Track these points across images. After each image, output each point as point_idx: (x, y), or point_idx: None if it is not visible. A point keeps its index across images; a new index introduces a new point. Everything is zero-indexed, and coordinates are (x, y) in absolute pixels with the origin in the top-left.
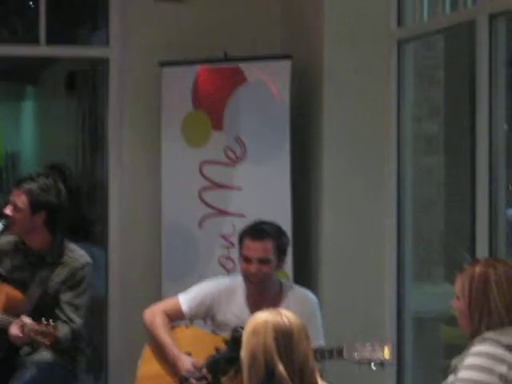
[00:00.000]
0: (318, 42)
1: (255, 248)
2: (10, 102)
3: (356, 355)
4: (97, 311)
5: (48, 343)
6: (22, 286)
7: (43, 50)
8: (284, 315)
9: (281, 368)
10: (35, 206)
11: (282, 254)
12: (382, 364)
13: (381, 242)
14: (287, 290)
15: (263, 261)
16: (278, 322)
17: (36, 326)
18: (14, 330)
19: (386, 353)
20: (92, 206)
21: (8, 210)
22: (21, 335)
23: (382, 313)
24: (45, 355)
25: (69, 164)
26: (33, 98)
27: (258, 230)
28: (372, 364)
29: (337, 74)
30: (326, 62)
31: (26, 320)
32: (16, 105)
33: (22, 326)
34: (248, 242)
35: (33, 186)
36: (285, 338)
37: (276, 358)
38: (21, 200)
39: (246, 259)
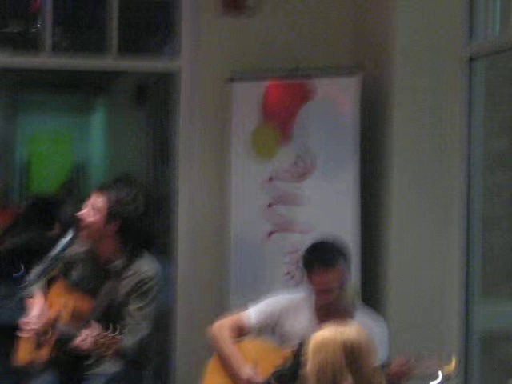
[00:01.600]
0: (388, 57)
1: (321, 278)
2: (80, 113)
3: (421, 368)
4: (163, 323)
5: (111, 353)
6: (91, 294)
7: (113, 63)
8: (353, 329)
9: (349, 382)
10: (112, 213)
11: (346, 275)
12: (446, 377)
13: (449, 259)
14: (357, 311)
15: (330, 289)
16: (348, 335)
17: (100, 336)
18: (79, 340)
19: (451, 366)
20: (160, 218)
21: (84, 211)
22: (86, 345)
23: (449, 329)
24: (111, 366)
25: (138, 176)
26: (102, 110)
27: (322, 260)
28: (437, 377)
29: (406, 89)
30: (396, 77)
31: (92, 330)
32: (86, 116)
33: (87, 336)
34: (313, 272)
35: (114, 193)
36: (354, 352)
37: (345, 372)
38: (99, 204)
39: (314, 288)
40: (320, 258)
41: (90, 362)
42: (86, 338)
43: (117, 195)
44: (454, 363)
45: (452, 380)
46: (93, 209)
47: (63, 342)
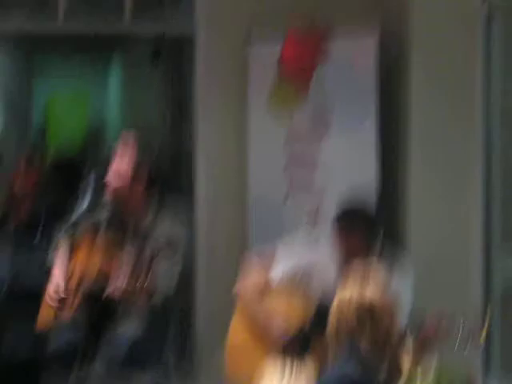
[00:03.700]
0: (405, 11)
1: (342, 240)
2: (97, 74)
3: (452, 334)
4: (184, 283)
5: (145, 297)
6: (117, 254)
7: (128, 26)
8: (369, 290)
9: (364, 342)
10: (136, 173)
11: (372, 239)
12: (476, 344)
13: (468, 209)
14: (381, 267)
15: (351, 251)
16: (363, 297)
17: (133, 280)
18: (113, 284)
19: (482, 334)
20: (179, 176)
21: (109, 175)
22: (120, 289)
23: (469, 281)
24: (135, 327)
25: (156, 136)
26: (119, 70)
27: (346, 222)
28: (461, 344)
29: (424, 43)
30: (413, 32)
31: (124, 276)
32: (103, 78)
33: (119, 282)
34: (336, 232)
35: (136, 154)
36: (368, 314)
37: (361, 332)
38: (124, 166)
39: (335, 246)
40: (343, 220)
41: (114, 321)
42: (118, 284)
43: (139, 156)
44: (484, 331)
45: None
46: (118, 171)
47: (90, 300)
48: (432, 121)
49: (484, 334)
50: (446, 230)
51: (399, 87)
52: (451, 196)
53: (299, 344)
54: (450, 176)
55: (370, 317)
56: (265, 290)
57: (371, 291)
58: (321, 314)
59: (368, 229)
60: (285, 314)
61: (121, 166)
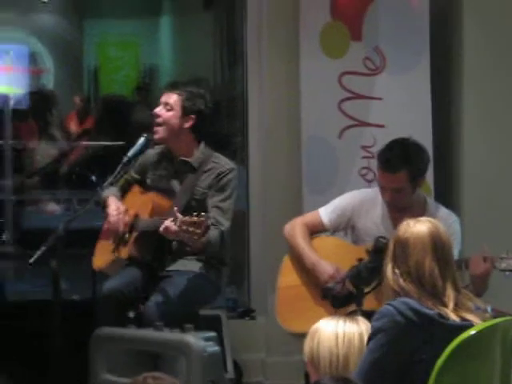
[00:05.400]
0: None
1: (387, 180)
2: (148, 16)
3: (502, 264)
4: (238, 225)
5: (200, 233)
6: (169, 194)
7: None
8: (433, 224)
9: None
10: (186, 108)
11: (419, 177)
12: None
13: None
14: (430, 208)
15: (396, 190)
16: (433, 229)
17: (188, 218)
18: (168, 222)
19: None
20: (232, 120)
21: (159, 109)
22: (174, 227)
23: None
24: (191, 265)
25: (208, 78)
26: (171, 12)
27: (390, 162)
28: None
29: None
30: None
31: (179, 214)
32: (154, 19)
33: (175, 220)
34: (381, 172)
35: (185, 89)
36: (440, 246)
37: (434, 265)
38: (173, 100)
39: (380, 186)
40: (387, 159)
41: (171, 260)
42: (173, 220)
43: (190, 91)
44: None
45: None
46: (167, 105)
47: (145, 239)
48: (486, 63)
49: None
50: (500, 170)
51: (452, 23)
52: (508, 130)
53: (352, 287)
54: (506, 117)
55: (443, 248)
56: (312, 230)
57: (435, 225)
58: (375, 253)
59: (413, 169)
60: (329, 256)
61: (169, 98)
